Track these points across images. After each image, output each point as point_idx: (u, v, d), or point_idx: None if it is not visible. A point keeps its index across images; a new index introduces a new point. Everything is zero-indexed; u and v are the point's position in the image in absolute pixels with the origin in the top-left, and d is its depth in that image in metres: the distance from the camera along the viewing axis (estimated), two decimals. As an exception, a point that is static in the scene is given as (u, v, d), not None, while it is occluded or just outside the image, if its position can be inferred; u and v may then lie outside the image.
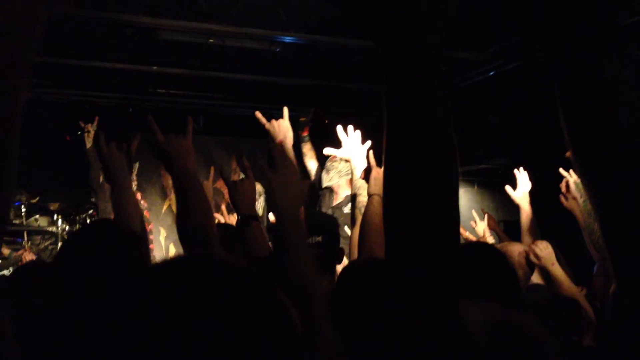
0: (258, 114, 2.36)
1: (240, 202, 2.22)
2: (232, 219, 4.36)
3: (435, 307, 0.79)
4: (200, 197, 1.90)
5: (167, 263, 0.78)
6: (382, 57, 0.84)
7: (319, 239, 2.40)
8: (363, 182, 2.80)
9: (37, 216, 7.46)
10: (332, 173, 4.68)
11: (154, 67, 6.29)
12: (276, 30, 5.44)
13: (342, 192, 4.73)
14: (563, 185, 3.58)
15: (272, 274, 1.69)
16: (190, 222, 1.85)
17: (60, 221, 7.28)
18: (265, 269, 1.75)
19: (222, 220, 4.44)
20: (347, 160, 3.02)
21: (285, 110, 2.35)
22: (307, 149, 5.36)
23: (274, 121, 2.29)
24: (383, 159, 0.86)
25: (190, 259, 0.82)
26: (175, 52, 6.03)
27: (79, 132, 5.98)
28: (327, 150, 3.19)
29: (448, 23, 0.84)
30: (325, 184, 4.74)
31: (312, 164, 5.25)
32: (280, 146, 2.21)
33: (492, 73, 6.16)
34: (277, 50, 6.19)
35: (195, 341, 0.65)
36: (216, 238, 1.89)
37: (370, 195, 2.59)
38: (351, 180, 4.75)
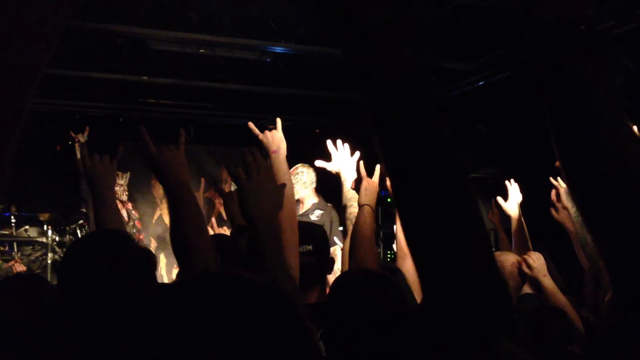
0: (251, 125, 2.35)
1: (236, 212, 2.20)
2: (221, 232, 4.37)
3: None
4: (194, 209, 1.88)
5: (193, 279, 0.77)
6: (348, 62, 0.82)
7: (310, 247, 2.40)
8: (354, 193, 2.81)
9: (27, 227, 7.40)
10: (297, 186, 4.70)
11: (144, 77, 6.28)
12: (266, 40, 5.46)
13: (308, 201, 4.86)
14: (553, 194, 3.59)
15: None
16: (184, 234, 1.83)
17: (50, 231, 7.22)
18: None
19: (211, 232, 4.44)
20: (336, 172, 3.02)
21: (279, 121, 2.34)
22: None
23: (267, 132, 2.28)
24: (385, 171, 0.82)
25: (216, 276, 0.81)
26: (165, 62, 6.03)
27: (70, 142, 5.95)
28: (317, 163, 3.20)
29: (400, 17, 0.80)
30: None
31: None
32: (276, 156, 2.21)
33: (481, 83, 6.20)
34: (268, 60, 6.21)
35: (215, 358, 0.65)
36: (210, 249, 1.88)
37: (360, 206, 2.60)
38: (316, 189, 4.82)
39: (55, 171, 7.24)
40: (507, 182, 4.03)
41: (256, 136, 2.33)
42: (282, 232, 2.13)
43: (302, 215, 4.66)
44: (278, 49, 5.65)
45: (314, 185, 4.92)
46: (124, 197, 6.28)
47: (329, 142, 3.02)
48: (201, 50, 5.87)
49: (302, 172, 4.87)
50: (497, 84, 6.00)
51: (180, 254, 1.83)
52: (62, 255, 7.12)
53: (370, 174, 2.69)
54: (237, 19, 5.15)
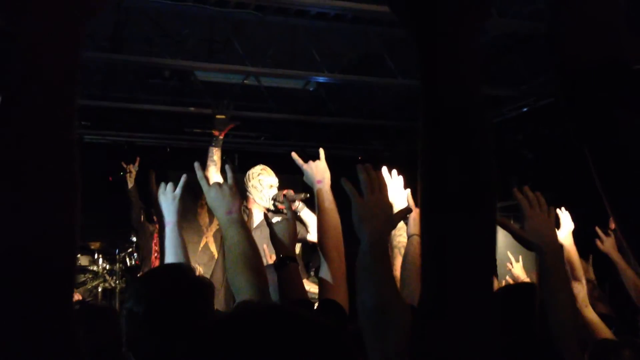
0: (294, 155, 2.36)
1: (279, 243, 2.19)
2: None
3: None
4: (248, 242, 1.90)
5: (250, 313, 0.78)
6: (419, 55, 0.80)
7: None
8: (402, 222, 2.77)
9: (79, 255, 7.55)
10: (261, 194, 4.36)
11: (191, 108, 6.44)
12: (310, 70, 5.55)
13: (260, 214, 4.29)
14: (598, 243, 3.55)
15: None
16: (238, 268, 1.84)
17: (100, 260, 7.35)
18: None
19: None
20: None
21: (322, 151, 2.34)
22: (217, 157, 4.25)
23: (311, 162, 2.28)
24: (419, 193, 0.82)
25: (271, 311, 0.82)
26: (211, 92, 6.18)
27: (121, 173, 6.09)
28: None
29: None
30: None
31: (216, 177, 4.09)
32: (321, 186, 2.21)
33: (525, 109, 6.15)
34: (311, 89, 6.30)
35: None
36: (265, 279, 1.87)
37: (410, 236, 2.55)
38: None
39: (105, 201, 7.43)
40: (558, 210, 3.94)
41: (300, 166, 2.33)
42: (330, 261, 2.12)
43: (261, 226, 4.20)
44: (321, 79, 5.73)
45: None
46: None
47: (384, 169, 3.00)
48: (245, 81, 6.00)
49: (263, 178, 4.36)
50: (541, 109, 5.94)
51: (237, 286, 1.84)
52: (112, 284, 7.26)
53: (417, 203, 2.65)
54: (281, 50, 5.26)
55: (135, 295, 1.58)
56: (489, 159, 0.79)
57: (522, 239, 1.97)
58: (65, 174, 0.71)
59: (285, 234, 2.21)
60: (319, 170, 2.27)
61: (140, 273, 5.55)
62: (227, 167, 2.14)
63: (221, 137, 4.33)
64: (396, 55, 5.39)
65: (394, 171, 2.98)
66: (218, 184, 1.98)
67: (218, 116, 4.52)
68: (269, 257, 3.95)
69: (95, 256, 7.40)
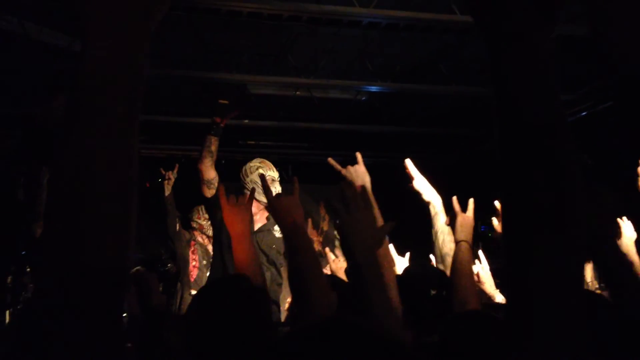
0: (331, 161, 2.31)
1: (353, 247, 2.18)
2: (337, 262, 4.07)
3: None
4: (309, 252, 1.91)
5: (307, 327, 0.77)
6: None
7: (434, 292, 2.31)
8: (448, 228, 2.75)
9: (139, 267, 7.66)
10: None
11: (245, 121, 6.54)
12: (362, 80, 5.56)
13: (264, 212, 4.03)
14: None
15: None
16: (300, 275, 1.85)
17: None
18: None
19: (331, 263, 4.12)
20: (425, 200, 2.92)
21: (359, 155, 2.31)
22: (215, 148, 3.87)
23: (349, 167, 2.24)
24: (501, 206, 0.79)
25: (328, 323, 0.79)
26: (264, 105, 6.26)
27: (159, 180, 6.09)
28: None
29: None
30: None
31: (211, 173, 3.83)
32: (362, 189, 2.21)
33: (584, 113, 5.99)
34: (363, 99, 6.31)
35: None
36: (325, 289, 1.89)
37: (457, 242, 2.53)
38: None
39: (141, 209, 7.54)
40: (619, 219, 3.80)
41: (339, 172, 2.30)
42: (382, 269, 2.11)
43: (263, 230, 4.02)
44: (373, 88, 5.73)
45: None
46: (211, 233, 6.43)
47: (408, 161, 2.94)
48: (298, 93, 6.06)
49: (269, 174, 3.97)
50: (601, 114, 5.78)
51: (297, 294, 1.86)
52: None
53: (464, 209, 2.63)
54: (333, 60, 5.29)
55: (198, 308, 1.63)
56: (574, 173, 0.74)
57: None
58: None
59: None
60: (358, 175, 2.22)
61: (179, 283, 5.57)
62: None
63: (222, 125, 3.93)
64: (449, 62, 5.35)
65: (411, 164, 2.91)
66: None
67: (221, 101, 4.10)
68: (332, 260, 3.90)
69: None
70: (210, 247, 5.74)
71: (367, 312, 1.42)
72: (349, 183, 1.63)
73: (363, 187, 2.14)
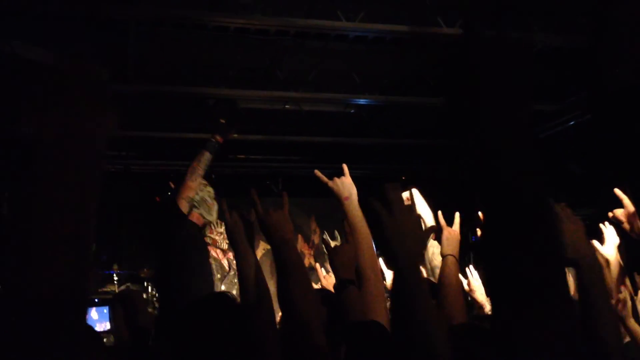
0: (318, 173, 2.29)
1: (340, 266, 2.17)
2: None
3: None
4: (298, 266, 1.91)
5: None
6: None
7: None
8: (435, 242, 2.74)
9: (129, 284, 7.59)
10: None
11: (235, 135, 6.52)
12: (350, 93, 5.58)
13: None
14: None
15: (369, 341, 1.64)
16: (288, 289, 1.85)
17: (150, 287, 7.41)
18: (362, 335, 1.72)
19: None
20: None
21: (345, 167, 2.31)
22: (205, 166, 3.75)
23: (336, 179, 2.24)
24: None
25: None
26: (253, 119, 6.26)
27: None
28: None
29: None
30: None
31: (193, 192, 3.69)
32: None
33: (572, 123, 6.05)
34: (352, 111, 6.32)
35: None
36: (314, 304, 1.88)
37: (444, 256, 2.52)
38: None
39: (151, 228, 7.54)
40: (601, 225, 3.81)
41: (325, 184, 2.29)
42: (366, 279, 2.10)
43: None
44: (362, 101, 5.75)
45: None
46: (224, 246, 6.39)
47: (414, 191, 2.99)
48: (287, 106, 6.07)
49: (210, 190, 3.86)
50: (589, 123, 5.84)
51: (285, 308, 1.85)
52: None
53: (449, 223, 2.62)
54: (321, 74, 5.30)
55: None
56: (557, 245, 0.79)
57: None
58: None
59: (344, 258, 2.20)
60: (345, 187, 2.22)
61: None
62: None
63: (221, 142, 3.84)
64: (436, 75, 5.38)
65: (414, 190, 2.93)
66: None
67: (222, 120, 4.13)
68: (322, 277, 3.86)
69: (145, 284, 7.48)
70: (225, 262, 5.74)
71: (410, 320, 1.34)
72: (394, 184, 1.54)
73: (411, 191, 2.09)
